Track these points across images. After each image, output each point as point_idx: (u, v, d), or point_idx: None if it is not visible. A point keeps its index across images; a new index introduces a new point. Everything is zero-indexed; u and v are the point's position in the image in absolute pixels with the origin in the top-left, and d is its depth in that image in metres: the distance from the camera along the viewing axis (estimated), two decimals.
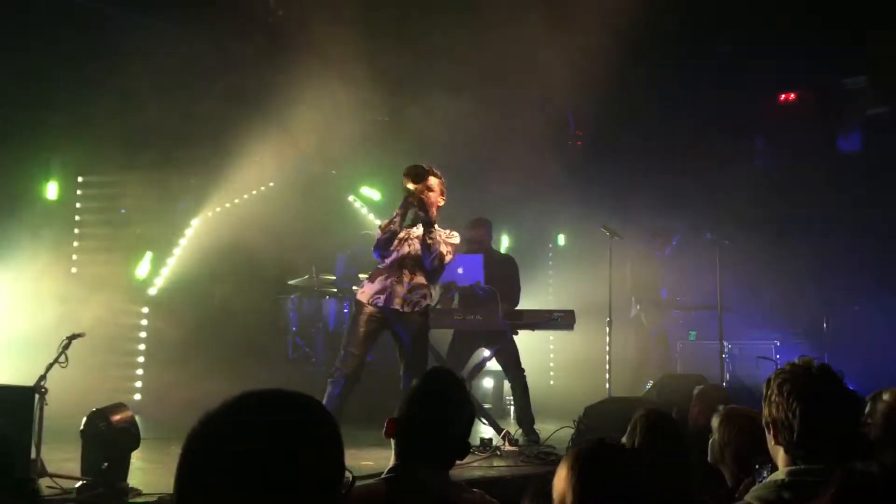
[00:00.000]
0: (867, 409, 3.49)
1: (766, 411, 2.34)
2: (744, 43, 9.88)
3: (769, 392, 2.33)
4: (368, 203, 10.92)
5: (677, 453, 2.86)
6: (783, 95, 11.15)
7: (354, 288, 6.87)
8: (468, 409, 2.57)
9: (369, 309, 5.72)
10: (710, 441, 3.04)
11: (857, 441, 2.34)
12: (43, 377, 4.35)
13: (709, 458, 3.03)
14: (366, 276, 7.26)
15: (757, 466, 2.63)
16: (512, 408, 8.88)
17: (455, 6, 8.82)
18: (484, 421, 6.78)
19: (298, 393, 1.35)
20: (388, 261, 5.81)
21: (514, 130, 10.00)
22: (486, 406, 8.27)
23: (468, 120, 10.11)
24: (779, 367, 2.43)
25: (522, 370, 7.19)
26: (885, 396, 3.13)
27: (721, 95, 10.29)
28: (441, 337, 8.40)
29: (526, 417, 7.05)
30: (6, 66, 7.60)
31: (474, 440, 6.19)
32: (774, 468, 2.38)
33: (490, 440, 6.22)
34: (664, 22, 9.39)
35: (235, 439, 1.25)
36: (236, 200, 9.78)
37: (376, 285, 5.77)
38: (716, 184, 10.26)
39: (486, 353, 7.24)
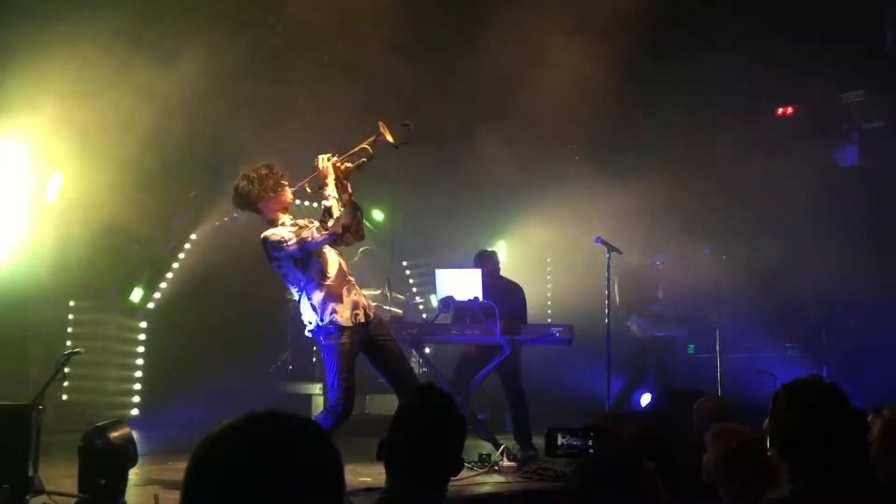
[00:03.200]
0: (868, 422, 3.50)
1: (773, 428, 2.34)
2: (742, 58, 9.92)
3: (777, 408, 2.33)
4: (373, 224, 10.92)
5: (666, 469, 2.84)
6: (780, 109, 11.18)
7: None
8: (458, 425, 2.55)
9: (354, 332, 5.22)
10: (704, 459, 3.05)
11: (862, 458, 2.35)
12: (41, 394, 4.35)
13: (703, 476, 3.03)
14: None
15: None
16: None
17: (453, 23, 8.89)
18: (482, 436, 6.76)
19: (301, 417, 1.36)
20: (332, 275, 5.22)
21: (513, 145, 10.04)
22: (484, 420, 8.25)
23: (469, 135, 10.16)
24: (777, 381, 2.44)
25: (521, 385, 7.20)
26: (885, 413, 3.14)
27: (719, 109, 10.32)
28: (437, 351, 8.43)
29: (523, 431, 7.05)
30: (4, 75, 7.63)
31: (472, 455, 6.18)
32: None
33: (488, 455, 6.21)
34: (662, 36, 9.44)
35: (239, 462, 1.25)
36: (235, 214, 9.78)
37: (346, 303, 5.20)
38: (713, 197, 10.29)
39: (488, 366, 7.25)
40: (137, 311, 8.98)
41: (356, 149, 5.38)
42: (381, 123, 5.32)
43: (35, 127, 7.59)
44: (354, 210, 5.45)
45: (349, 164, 5.34)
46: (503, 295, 7.18)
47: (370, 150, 5.35)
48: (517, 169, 10.05)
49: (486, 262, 7.60)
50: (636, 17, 7.97)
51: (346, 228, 5.38)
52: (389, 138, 5.31)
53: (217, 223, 9.60)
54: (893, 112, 10.28)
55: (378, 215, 10.81)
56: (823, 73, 9.95)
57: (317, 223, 5.11)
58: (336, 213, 5.10)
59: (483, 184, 10.17)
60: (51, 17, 7.92)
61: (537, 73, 8.92)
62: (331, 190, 5.16)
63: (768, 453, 2.43)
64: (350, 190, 5.38)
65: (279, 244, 5.08)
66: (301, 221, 5.27)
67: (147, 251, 9.21)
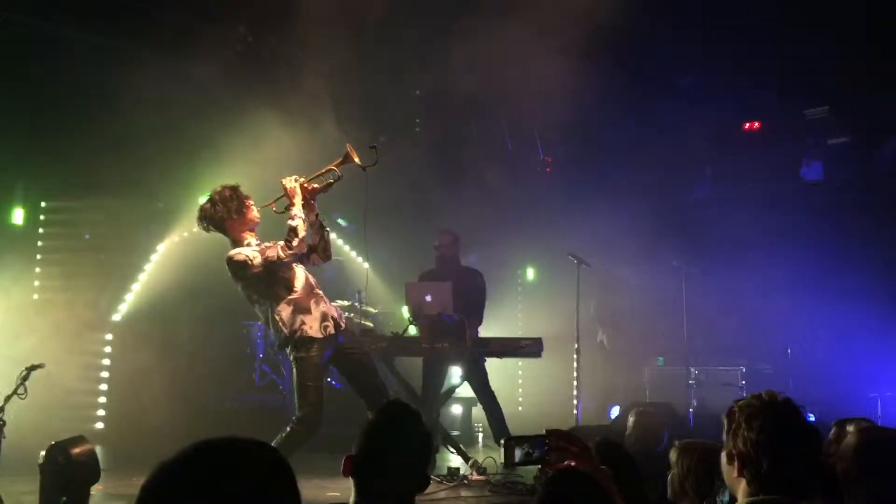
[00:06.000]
0: (831, 435, 3.54)
1: (730, 444, 2.35)
2: (709, 73, 10.05)
3: (734, 425, 2.34)
4: (337, 229, 10.90)
5: (629, 484, 2.85)
6: (747, 124, 11.33)
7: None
8: (425, 441, 2.55)
9: (324, 344, 5.23)
10: (670, 475, 3.05)
11: (816, 473, 2.38)
12: (1, 409, 4.27)
13: (668, 494, 3.03)
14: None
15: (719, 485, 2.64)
16: (481, 435, 8.86)
17: (420, 33, 8.90)
18: (451, 450, 6.75)
19: (254, 441, 1.34)
20: (299, 288, 5.23)
21: (483, 158, 10.08)
22: (455, 433, 8.24)
23: (438, 148, 10.18)
24: (742, 395, 2.45)
25: (490, 388, 7.22)
26: (850, 428, 3.17)
27: (687, 124, 10.43)
28: (408, 364, 8.39)
29: (504, 433, 7.05)
30: None
31: (441, 469, 6.17)
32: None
33: (458, 469, 6.20)
34: (630, 51, 9.54)
35: (190, 493, 1.24)
36: (201, 223, 9.69)
37: (315, 315, 5.21)
38: (682, 211, 10.39)
39: (456, 379, 7.24)
40: (103, 321, 8.87)
41: (323, 170, 5.41)
42: (348, 145, 5.36)
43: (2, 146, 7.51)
44: (321, 230, 5.47)
45: (316, 185, 5.36)
46: (462, 281, 7.19)
47: (337, 171, 5.38)
48: (487, 181, 10.08)
49: (449, 236, 7.65)
50: (605, 32, 8.03)
51: (312, 249, 5.39)
52: (357, 160, 5.35)
53: (185, 234, 9.51)
54: (857, 128, 10.46)
55: (342, 222, 10.79)
56: (789, 89, 10.10)
57: (281, 242, 5.12)
58: (301, 233, 5.12)
59: (456, 197, 10.18)
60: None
61: (510, 87, 8.97)
62: (297, 210, 5.19)
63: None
64: (317, 210, 5.41)
65: (245, 265, 5.08)
66: (267, 243, 5.25)
67: (113, 262, 9.11)
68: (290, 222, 5.17)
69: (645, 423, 5.15)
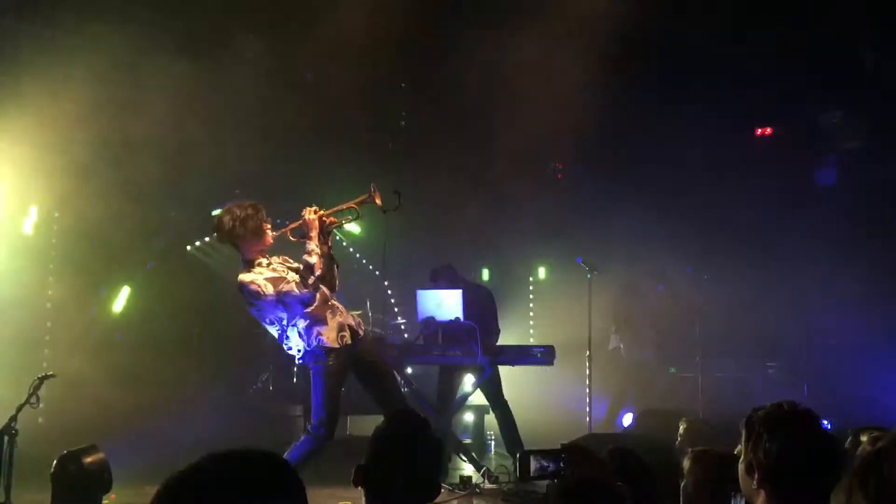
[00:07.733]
0: (847, 445, 3.49)
1: (749, 455, 2.31)
2: (721, 79, 10.00)
3: (754, 435, 2.30)
4: (348, 237, 10.90)
5: (644, 491, 2.82)
6: (759, 130, 11.27)
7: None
8: (435, 450, 2.54)
9: (341, 354, 5.24)
10: (683, 484, 3.01)
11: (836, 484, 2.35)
12: (14, 418, 4.29)
13: (682, 502, 2.99)
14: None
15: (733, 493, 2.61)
16: (493, 443, 8.84)
17: (436, 37, 8.91)
18: (463, 458, 6.72)
19: (264, 452, 1.33)
20: (316, 302, 5.20)
21: (494, 163, 10.06)
22: (467, 441, 8.21)
23: (447, 153, 10.16)
24: (757, 405, 2.41)
25: (503, 397, 7.19)
26: (864, 438, 3.14)
27: (698, 130, 10.39)
28: (419, 371, 8.38)
29: (516, 442, 7.02)
30: None
31: (453, 478, 6.14)
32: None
33: (469, 478, 6.17)
34: (642, 58, 9.51)
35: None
36: (215, 234, 9.73)
37: (331, 325, 5.22)
38: (694, 217, 10.32)
39: (469, 387, 7.22)
40: (116, 328, 8.90)
41: (344, 206, 5.40)
42: (372, 186, 5.35)
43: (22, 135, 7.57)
44: (331, 263, 5.43)
45: (334, 220, 5.37)
46: (473, 300, 7.16)
47: (357, 209, 5.38)
48: (499, 189, 10.07)
49: (444, 278, 7.53)
50: (616, 38, 8.02)
51: (321, 279, 5.37)
52: (378, 202, 5.35)
53: (198, 242, 9.55)
54: (871, 133, 10.39)
55: (355, 228, 10.80)
56: (802, 95, 10.05)
57: (297, 278, 5.12)
58: (318, 271, 5.13)
59: (465, 205, 10.17)
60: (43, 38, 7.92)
61: (520, 96, 8.97)
62: (314, 246, 5.19)
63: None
64: (330, 243, 5.40)
65: (257, 294, 5.08)
66: (276, 259, 5.26)
67: (127, 268, 9.14)
68: (306, 258, 5.17)
69: (697, 431, 5.13)
